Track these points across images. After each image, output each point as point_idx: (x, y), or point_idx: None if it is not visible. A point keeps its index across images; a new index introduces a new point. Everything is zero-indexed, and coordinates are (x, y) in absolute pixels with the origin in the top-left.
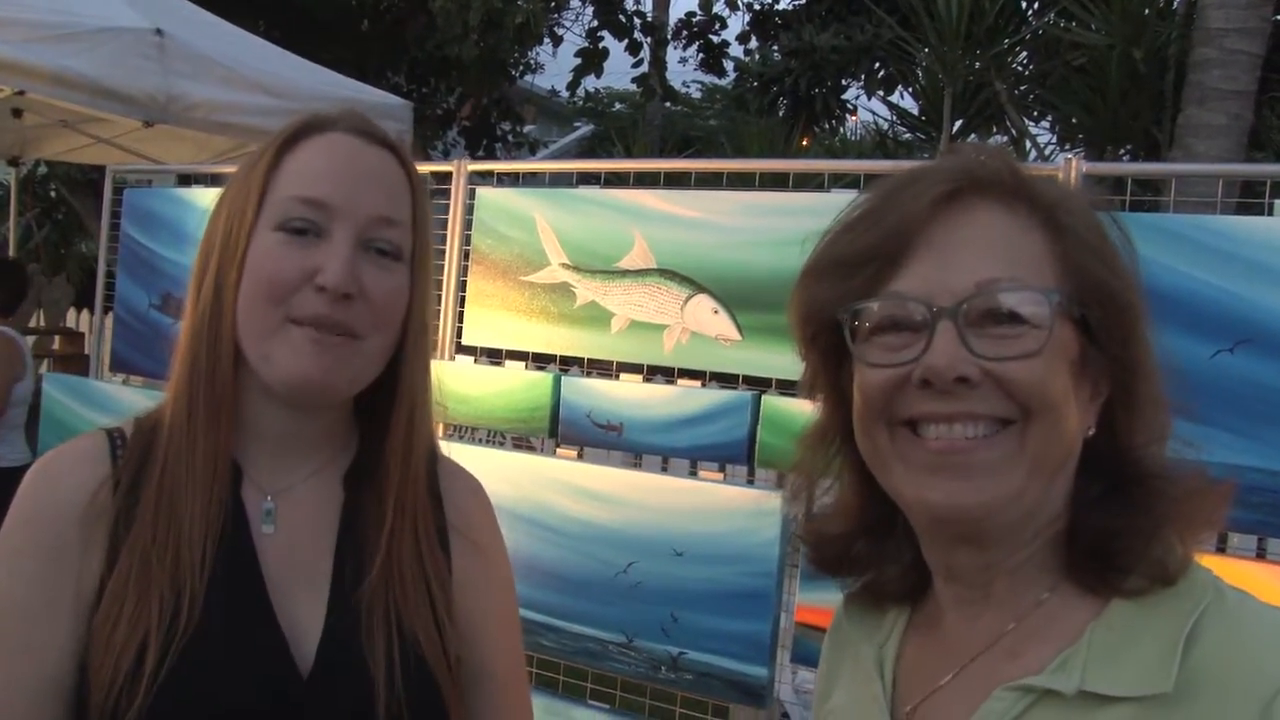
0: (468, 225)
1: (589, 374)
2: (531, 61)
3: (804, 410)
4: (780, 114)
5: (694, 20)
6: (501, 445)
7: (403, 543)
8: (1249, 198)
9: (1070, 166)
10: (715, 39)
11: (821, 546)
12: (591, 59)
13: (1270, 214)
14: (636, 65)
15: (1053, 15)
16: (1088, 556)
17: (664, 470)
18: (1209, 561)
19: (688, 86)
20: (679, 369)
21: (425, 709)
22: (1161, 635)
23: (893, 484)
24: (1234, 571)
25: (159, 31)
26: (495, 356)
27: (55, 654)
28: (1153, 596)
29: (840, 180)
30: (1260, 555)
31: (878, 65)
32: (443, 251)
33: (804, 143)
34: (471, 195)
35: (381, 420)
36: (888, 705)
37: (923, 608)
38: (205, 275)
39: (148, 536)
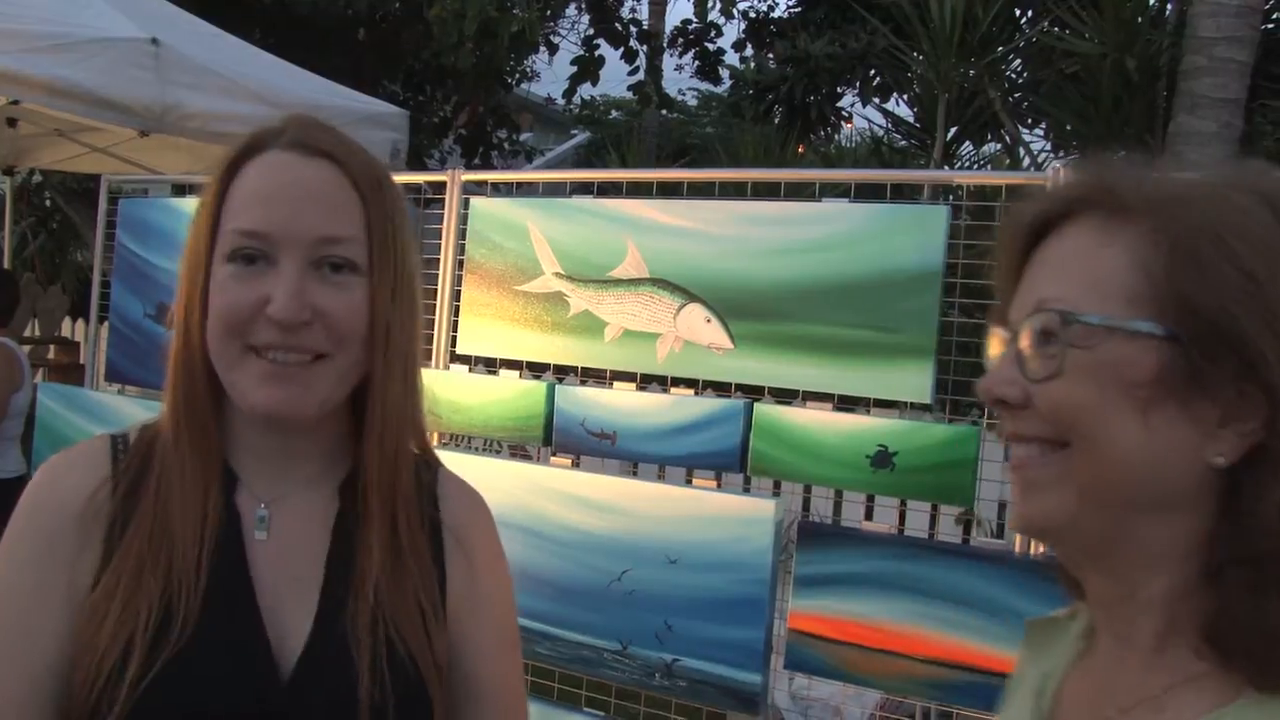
0: (462, 235)
1: (583, 383)
2: (528, 69)
3: (797, 418)
4: (776, 121)
5: (689, 28)
6: (498, 454)
7: (393, 550)
8: None
9: (1059, 176)
10: (711, 47)
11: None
12: (587, 67)
13: None
14: (632, 73)
15: (1046, 23)
16: (1217, 627)
17: (660, 478)
18: None
19: (684, 94)
20: (672, 377)
21: (408, 709)
22: None
23: None
24: None
25: (155, 41)
26: (490, 365)
27: (51, 641)
28: None
29: (832, 189)
30: None
31: (873, 73)
32: (437, 261)
33: (799, 150)
34: (466, 205)
35: (363, 431)
36: None
37: (1093, 645)
38: (179, 302)
39: (143, 540)
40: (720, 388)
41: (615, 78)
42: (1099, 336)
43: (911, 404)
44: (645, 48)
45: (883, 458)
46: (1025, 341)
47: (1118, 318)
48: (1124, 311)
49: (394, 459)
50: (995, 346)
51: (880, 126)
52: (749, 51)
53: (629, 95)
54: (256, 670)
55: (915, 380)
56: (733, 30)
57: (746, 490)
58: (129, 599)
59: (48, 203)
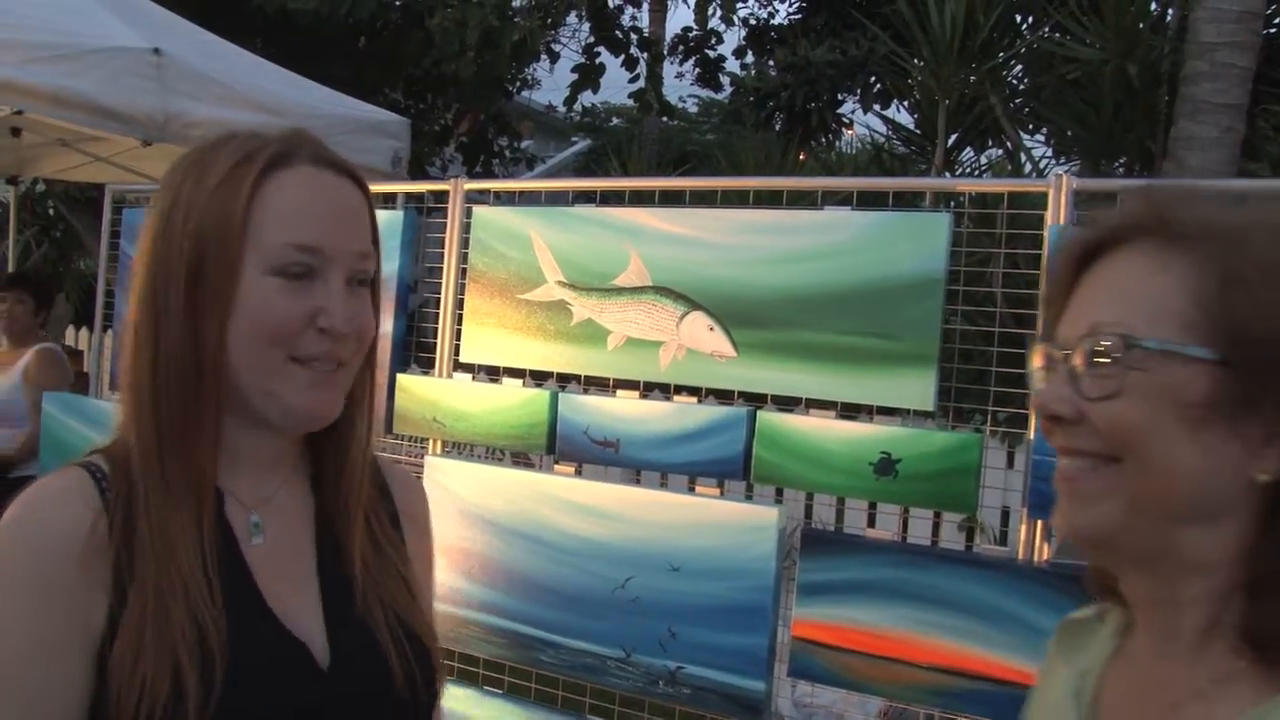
0: (464, 243)
1: (586, 391)
2: (529, 77)
3: (800, 426)
4: (776, 128)
5: (690, 35)
6: (500, 462)
7: (371, 536)
8: None
9: (1061, 183)
10: (711, 54)
11: (1090, 573)
12: (588, 74)
13: None
14: (633, 80)
15: (1046, 29)
16: (1262, 630)
17: (662, 486)
18: None
19: (684, 101)
20: (675, 385)
21: (426, 675)
22: None
23: None
24: None
25: (157, 51)
26: (493, 374)
27: (72, 686)
28: None
29: (834, 197)
30: None
31: (873, 80)
32: (440, 269)
33: (800, 157)
34: (468, 213)
35: (340, 427)
36: None
37: (1127, 642)
38: (169, 307)
39: (153, 568)
40: (723, 395)
41: (616, 85)
42: (1156, 360)
43: (914, 411)
44: (646, 55)
45: (886, 465)
46: (1080, 360)
47: (1174, 342)
48: (1179, 337)
49: (368, 450)
50: (1041, 362)
51: (881, 133)
52: (749, 58)
53: (630, 102)
54: (300, 666)
55: (918, 387)
56: (733, 37)
57: (748, 498)
58: (162, 628)
59: (51, 212)
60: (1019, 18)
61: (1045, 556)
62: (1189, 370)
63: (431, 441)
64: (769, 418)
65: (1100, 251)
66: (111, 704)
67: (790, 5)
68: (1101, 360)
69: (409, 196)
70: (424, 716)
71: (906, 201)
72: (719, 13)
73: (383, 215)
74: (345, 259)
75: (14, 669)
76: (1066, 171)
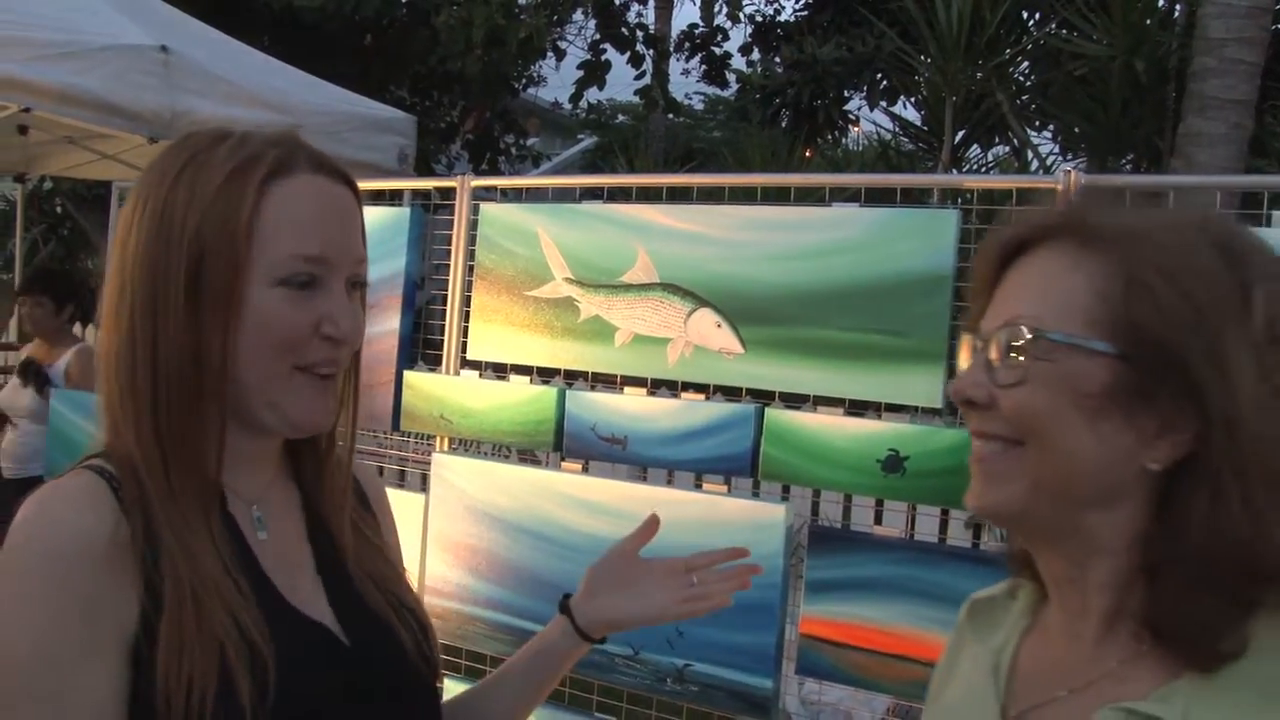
0: (471, 240)
1: (594, 388)
2: (534, 75)
3: (808, 423)
4: (783, 126)
5: (696, 32)
6: (507, 459)
7: (353, 524)
8: (1252, 207)
9: (1069, 179)
10: (717, 51)
11: (1010, 549)
12: (594, 71)
13: (1269, 225)
14: (639, 77)
15: (1054, 26)
16: (1158, 617)
17: (669, 483)
18: None
19: (690, 98)
20: (683, 382)
21: (431, 649)
22: (1262, 688)
23: None
24: None
25: (164, 48)
26: (500, 371)
27: (103, 690)
28: (1227, 670)
29: (841, 194)
30: None
31: (880, 77)
32: (447, 266)
33: (807, 154)
34: (475, 210)
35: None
36: (998, 705)
37: (1040, 617)
38: (167, 313)
39: (179, 566)
40: (731, 392)
41: (622, 82)
42: (1061, 352)
43: (922, 408)
44: (651, 52)
45: (894, 462)
46: (995, 351)
47: (1078, 336)
48: (1084, 331)
49: (352, 447)
50: (966, 352)
51: (888, 130)
52: (755, 55)
53: (635, 99)
54: (331, 651)
55: (926, 384)
56: (739, 34)
57: (755, 495)
58: (202, 625)
59: (58, 209)
60: (1026, 14)
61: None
62: (1091, 363)
63: (438, 438)
64: (777, 415)
65: (1023, 249)
66: (160, 705)
67: (797, 2)
68: (1014, 351)
69: (415, 194)
70: (433, 688)
71: (914, 198)
72: (725, 9)
73: (389, 212)
74: (346, 265)
75: (39, 672)
76: (1074, 168)
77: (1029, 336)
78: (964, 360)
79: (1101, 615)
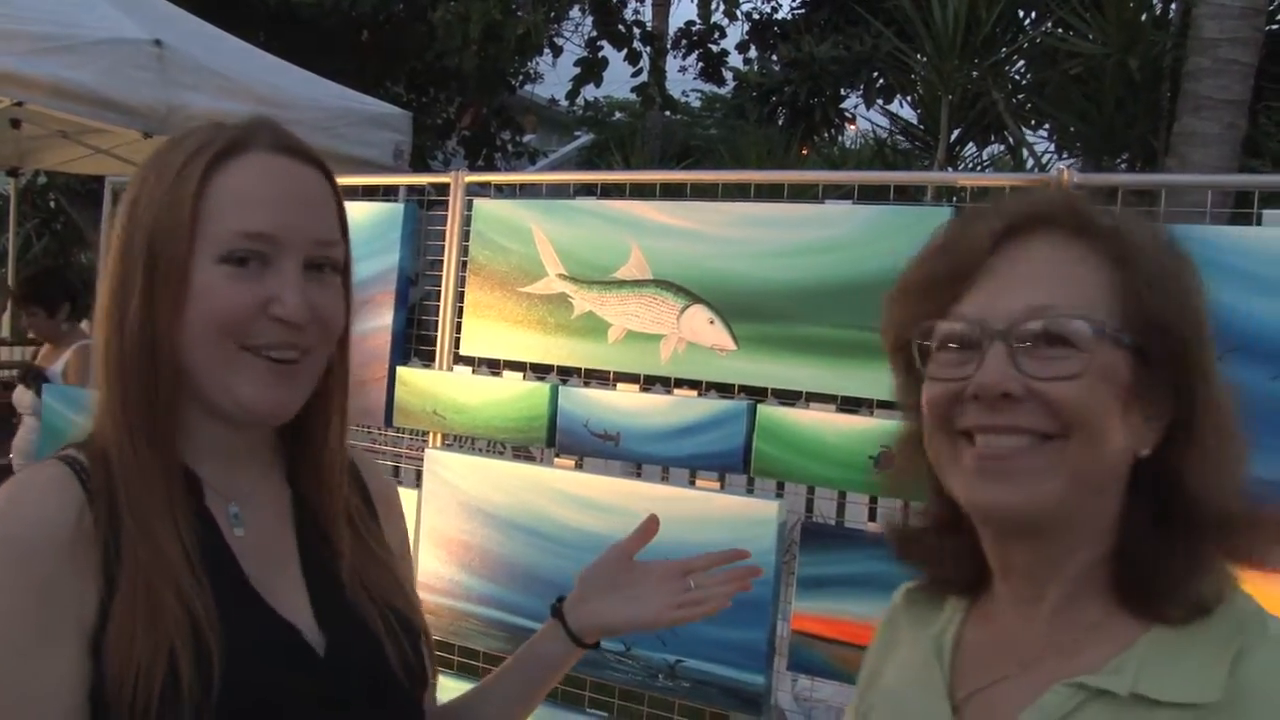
0: (465, 236)
1: (587, 384)
2: (531, 71)
3: (800, 419)
4: (779, 123)
5: (693, 30)
6: (501, 455)
7: (350, 525)
8: (1245, 206)
9: (1061, 178)
10: (714, 48)
11: (902, 540)
12: (591, 68)
13: (1258, 224)
14: (636, 74)
15: (1049, 25)
16: (1133, 583)
17: (663, 479)
18: None
19: (687, 95)
20: (675, 379)
21: (419, 656)
22: (1210, 652)
23: (950, 487)
24: None
25: (158, 43)
26: (493, 367)
27: (65, 681)
28: (1194, 624)
29: (835, 191)
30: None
31: (876, 75)
32: (441, 262)
33: (803, 152)
34: (469, 206)
35: (315, 419)
36: (945, 688)
37: (979, 605)
38: (129, 297)
39: (141, 559)
40: (723, 389)
41: (619, 79)
42: (1103, 344)
43: None
44: (649, 49)
45: (886, 459)
46: (1023, 341)
47: (1113, 329)
48: (1114, 324)
49: (344, 441)
50: (947, 338)
51: (884, 129)
52: (753, 53)
53: (633, 97)
54: (297, 653)
55: None
56: (736, 32)
57: (750, 491)
58: (154, 618)
59: (52, 204)
60: (1021, 13)
61: None
62: (1118, 355)
63: (431, 434)
64: (769, 411)
65: (1009, 236)
66: (110, 692)
67: (794, 0)
68: (1055, 344)
69: (410, 189)
70: (417, 699)
71: (908, 196)
72: (722, 7)
73: (383, 208)
74: (300, 245)
75: (6, 664)
76: (1068, 166)
77: (1085, 328)
78: (940, 351)
79: (1059, 596)
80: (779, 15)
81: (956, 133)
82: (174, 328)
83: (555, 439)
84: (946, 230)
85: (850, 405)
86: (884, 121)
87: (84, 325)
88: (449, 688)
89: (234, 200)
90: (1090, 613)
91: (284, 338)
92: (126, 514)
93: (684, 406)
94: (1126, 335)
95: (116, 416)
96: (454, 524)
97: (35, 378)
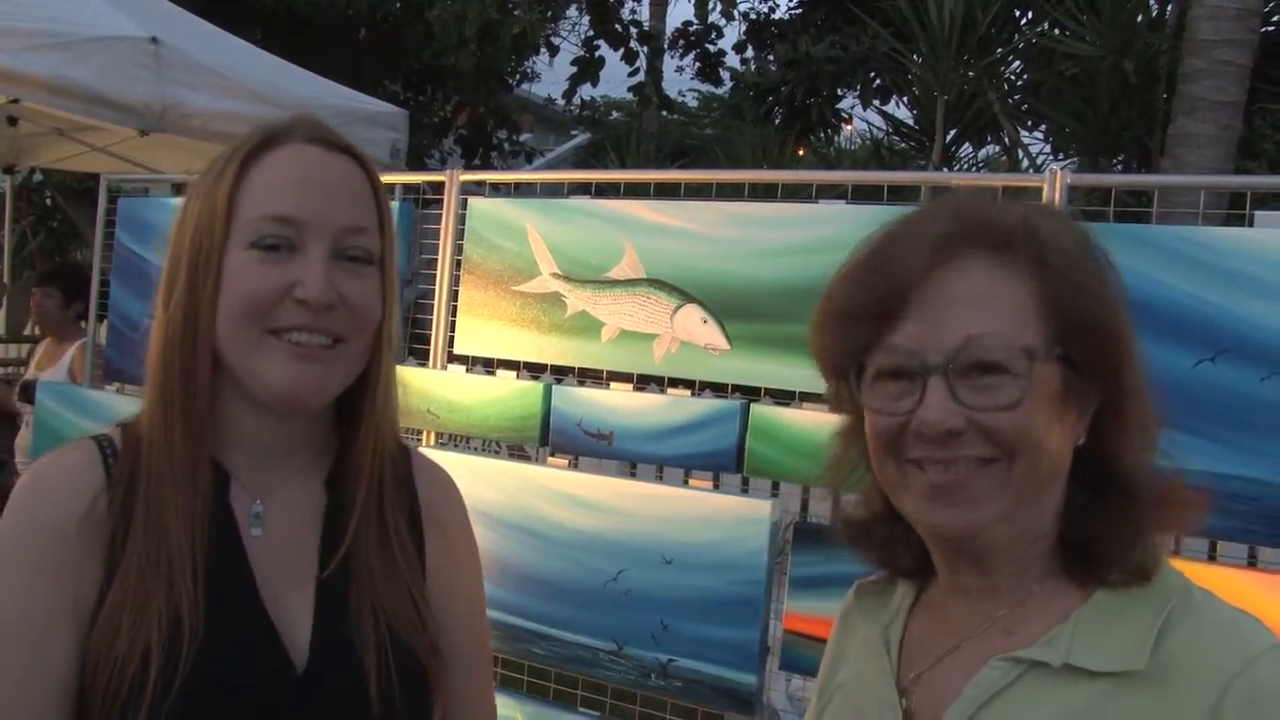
0: (460, 235)
1: (582, 383)
2: (528, 70)
3: (793, 419)
4: (776, 123)
5: (690, 30)
6: (497, 454)
7: (381, 540)
8: (1240, 207)
9: (1055, 178)
10: (711, 48)
11: (848, 527)
12: (587, 68)
13: (1251, 224)
14: (633, 74)
15: (1045, 26)
16: (1075, 557)
17: (659, 479)
18: (1201, 570)
19: (684, 95)
20: (669, 378)
21: (413, 693)
22: (1138, 623)
23: (903, 506)
24: (1219, 580)
25: (155, 40)
26: (488, 365)
27: (62, 662)
28: (1130, 590)
29: (829, 191)
30: (1251, 563)
31: (873, 75)
32: (435, 260)
33: (799, 152)
34: (464, 205)
35: (355, 419)
36: (893, 675)
37: (926, 593)
38: (175, 289)
39: (143, 549)
40: (717, 388)
41: (615, 78)
42: (1036, 365)
43: None
44: (645, 49)
45: None
46: (956, 372)
47: (1044, 347)
48: (1044, 341)
49: (382, 450)
50: (882, 372)
51: (880, 129)
52: (750, 53)
53: (629, 96)
54: (273, 665)
55: None
56: (733, 32)
57: (745, 491)
58: (140, 609)
59: (48, 201)
60: (1017, 14)
61: None
62: (1049, 369)
63: (425, 433)
64: (762, 411)
65: (937, 260)
66: (85, 676)
67: (791, 0)
68: (992, 371)
69: (405, 188)
70: None
71: (902, 197)
72: (719, 7)
73: None
74: (328, 231)
75: (21, 638)
76: (1062, 167)
77: (1021, 357)
78: (876, 384)
79: (1001, 577)
80: (776, 15)
81: (952, 133)
82: (211, 314)
83: (549, 438)
84: (871, 249)
85: None
86: (880, 122)
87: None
88: None
89: (264, 187)
90: (1033, 588)
91: (308, 321)
92: (141, 505)
93: (677, 406)
94: (1057, 347)
95: (156, 405)
96: None
97: (24, 390)
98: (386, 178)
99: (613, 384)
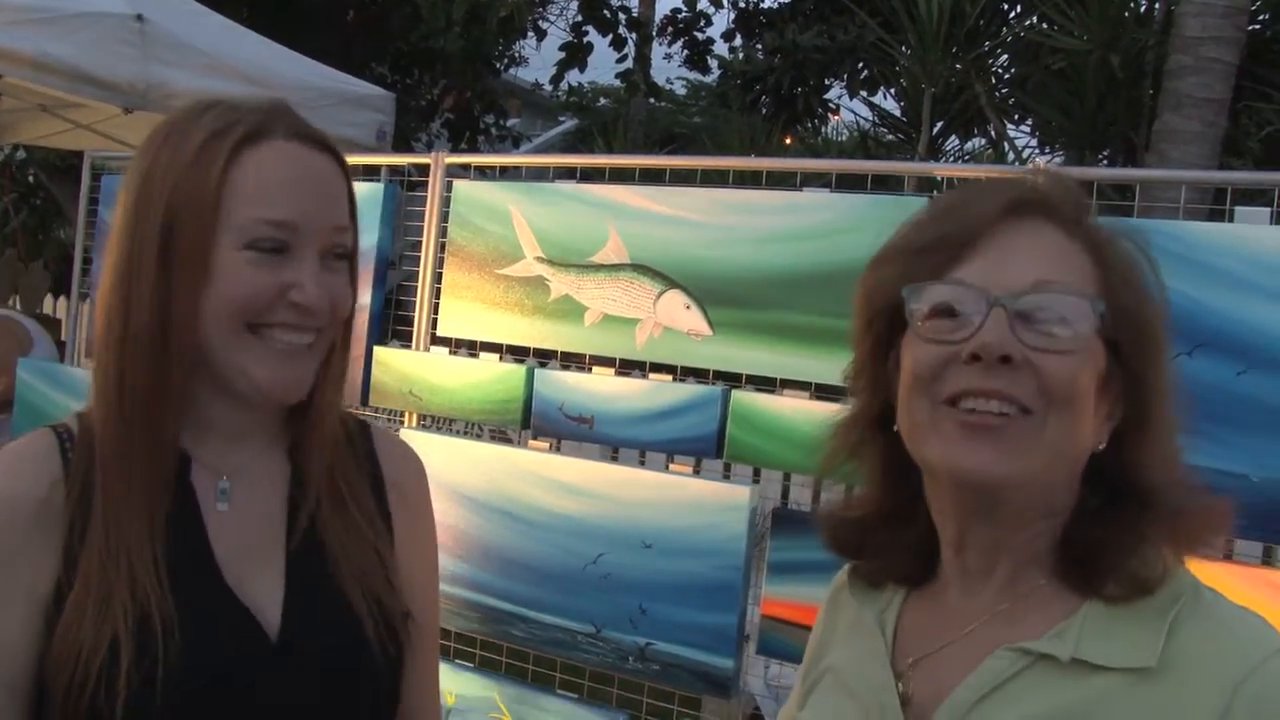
0: (444, 217)
1: (565, 367)
2: (516, 54)
3: (774, 406)
4: (763, 112)
5: (679, 17)
6: (479, 437)
7: (344, 508)
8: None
9: (1038, 171)
10: (700, 36)
11: (837, 530)
12: (575, 53)
13: (1231, 220)
14: (621, 60)
15: (1033, 19)
16: (1074, 561)
17: (641, 463)
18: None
19: (672, 83)
20: (651, 363)
21: (391, 660)
22: (1147, 621)
23: (926, 454)
24: (1195, 573)
25: (140, 17)
26: (470, 348)
27: (19, 652)
28: (1135, 601)
29: (815, 179)
30: (1227, 556)
31: (860, 66)
32: (420, 243)
33: (786, 141)
34: (449, 188)
35: (312, 397)
36: (888, 659)
37: (921, 588)
38: (141, 277)
39: (102, 538)
40: (699, 374)
41: (604, 65)
42: (1094, 329)
43: None
44: (634, 36)
45: None
46: (1024, 312)
47: (1103, 315)
48: (1101, 310)
49: (336, 416)
50: (950, 302)
51: (867, 120)
52: (738, 41)
53: (617, 83)
54: (244, 640)
55: None
56: (722, 20)
57: (727, 477)
58: (104, 601)
59: (31, 179)
60: (1006, 7)
61: None
62: (1099, 344)
63: (407, 415)
64: (743, 397)
65: (1013, 212)
66: (47, 668)
67: None
68: (1053, 319)
69: (392, 170)
70: (385, 693)
71: (887, 188)
72: None
73: (363, 188)
74: (319, 234)
75: None
76: (1049, 161)
77: (1086, 306)
78: (933, 320)
79: (1006, 572)
80: (765, 4)
81: (939, 126)
82: (192, 310)
83: (530, 421)
84: (944, 200)
85: (825, 393)
86: (867, 113)
87: (61, 301)
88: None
89: (258, 188)
90: (1034, 586)
91: (299, 321)
92: (99, 496)
93: (658, 391)
94: (1110, 328)
95: (110, 395)
96: None
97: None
98: (371, 159)
99: (595, 368)
